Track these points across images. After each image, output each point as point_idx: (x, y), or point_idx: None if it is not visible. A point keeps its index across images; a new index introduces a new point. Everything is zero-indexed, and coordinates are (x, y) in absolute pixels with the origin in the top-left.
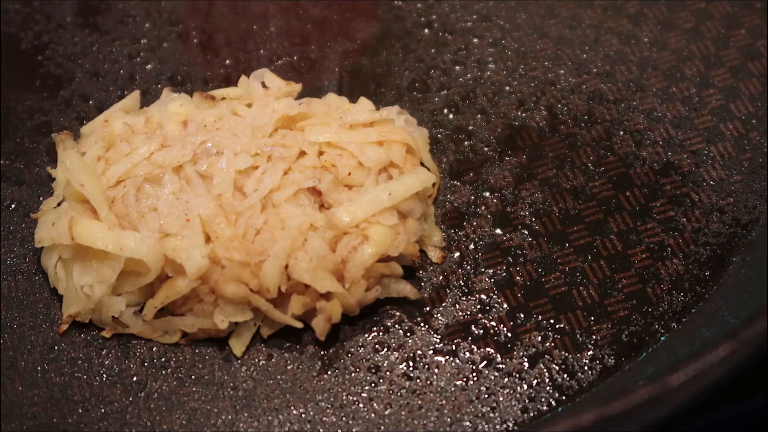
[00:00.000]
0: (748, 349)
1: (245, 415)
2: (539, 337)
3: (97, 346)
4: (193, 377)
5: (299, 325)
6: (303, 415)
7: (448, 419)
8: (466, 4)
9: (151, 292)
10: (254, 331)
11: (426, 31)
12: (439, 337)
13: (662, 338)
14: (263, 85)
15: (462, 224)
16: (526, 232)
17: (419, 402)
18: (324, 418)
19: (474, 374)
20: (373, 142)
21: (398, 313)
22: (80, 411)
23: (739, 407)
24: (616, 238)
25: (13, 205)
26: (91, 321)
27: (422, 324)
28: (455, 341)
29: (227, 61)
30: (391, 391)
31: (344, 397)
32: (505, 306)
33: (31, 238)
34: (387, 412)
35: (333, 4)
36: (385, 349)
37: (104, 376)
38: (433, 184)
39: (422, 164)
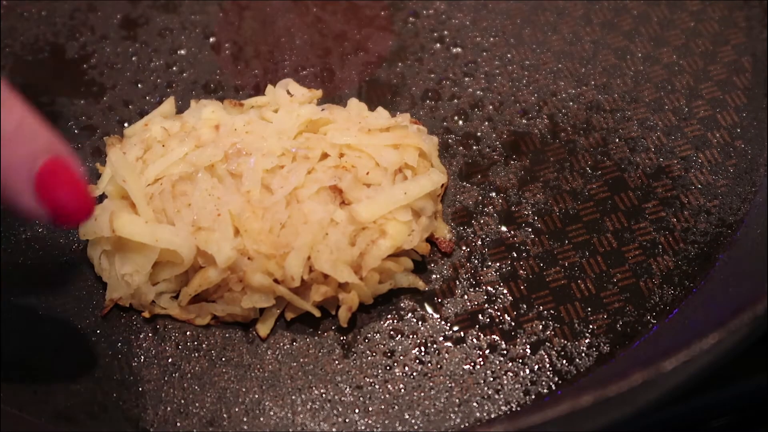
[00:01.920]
0: (735, 338)
1: (271, 394)
2: (540, 326)
3: (135, 330)
4: (223, 359)
5: (318, 313)
6: (324, 395)
7: (457, 400)
8: (475, 21)
9: (186, 280)
10: (278, 315)
11: (438, 45)
12: (448, 325)
13: (654, 328)
14: (288, 92)
15: (470, 222)
16: (529, 229)
17: (430, 384)
18: (343, 398)
19: (480, 359)
20: (389, 145)
21: (411, 303)
22: (120, 389)
23: (728, 391)
24: (611, 236)
25: None
26: (131, 305)
27: (433, 313)
28: (463, 329)
29: (256, 71)
30: (404, 374)
31: (362, 379)
32: (510, 297)
33: (77, 230)
34: (401, 393)
35: (352, 20)
36: (399, 336)
37: (142, 357)
38: (442, 185)
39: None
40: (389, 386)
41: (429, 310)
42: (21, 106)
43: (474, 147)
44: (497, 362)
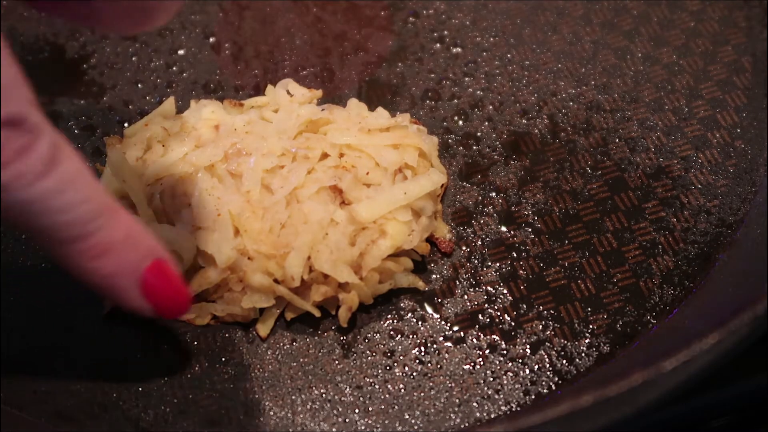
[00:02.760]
0: (735, 338)
1: (271, 394)
2: (540, 326)
3: (135, 330)
4: (222, 359)
5: (318, 313)
6: (324, 395)
7: (457, 400)
8: (475, 21)
9: (186, 280)
10: (278, 315)
11: (438, 45)
12: (448, 325)
13: (654, 328)
14: (288, 92)
15: (470, 222)
16: (529, 229)
17: (430, 384)
18: (343, 398)
19: (480, 359)
20: (389, 145)
21: (411, 303)
22: (120, 389)
23: (728, 391)
24: (611, 236)
25: None
26: None
27: (433, 313)
28: (463, 329)
29: (256, 71)
30: (404, 374)
31: (362, 379)
32: (510, 297)
33: None
34: (401, 393)
35: (352, 20)
36: (399, 336)
37: (142, 357)
38: (441, 185)
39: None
40: (389, 386)
41: (429, 310)
42: (126, 216)
43: (474, 147)
44: (497, 362)
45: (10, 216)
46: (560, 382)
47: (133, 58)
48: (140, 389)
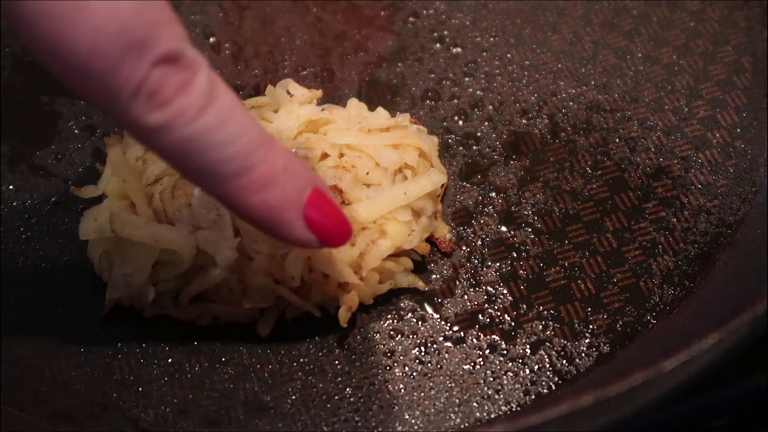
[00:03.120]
0: (735, 338)
1: (271, 394)
2: (540, 326)
3: (135, 330)
4: (223, 359)
5: (318, 313)
6: (324, 395)
7: (457, 400)
8: (475, 21)
9: (186, 280)
10: (278, 315)
11: (438, 45)
12: (448, 325)
13: (654, 328)
14: (288, 92)
15: (470, 222)
16: (528, 229)
17: (430, 384)
18: (343, 398)
19: (480, 359)
20: (389, 145)
21: (411, 303)
22: (120, 389)
23: (728, 391)
24: (611, 236)
25: (60, 201)
26: (132, 305)
27: (433, 313)
28: (463, 329)
29: (256, 71)
30: (404, 374)
31: (362, 379)
32: (510, 297)
33: (77, 230)
34: (401, 393)
35: (352, 20)
36: (399, 336)
37: (142, 357)
38: (441, 185)
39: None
40: (389, 386)
41: (429, 310)
42: (283, 149)
43: (474, 147)
44: (497, 362)
45: (172, 156)
46: (560, 382)
47: None
48: (140, 389)
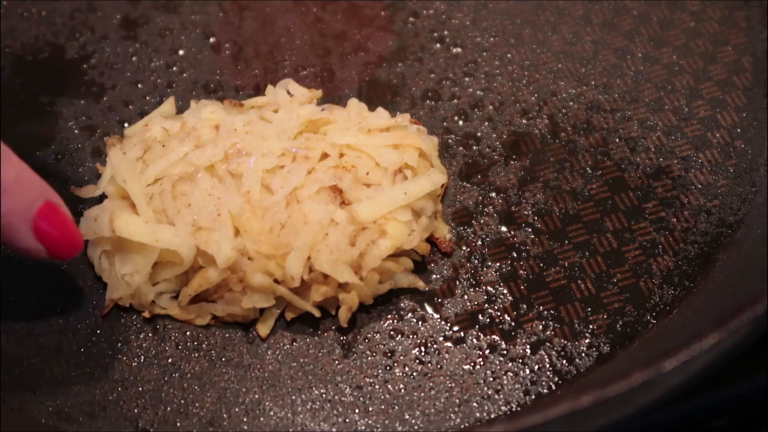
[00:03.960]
0: (735, 338)
1: (271, 394)
2: (540, 326)
3: (135, 330)
4: (223, 359)
5: (318, 313)
6: (324, 395)
7: (457, 400)
8: (475, 21)
9: (186, 280)
10: (278, 315)
11: (438, 45)
12: (448, 325)
13: (654, 328)
14: (288, 92)
15: (471, 222)
16: (529, 229)
17: (430, 384)
18: (343, 398)
19: (480, 359)
20: (389, 145)
21: (411, 303)
22: (119, 389)
23: (728, 391)
24: (611, 236)
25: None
26: (131, 305)
27: (433, 313)
28: (463, 329)
29: (256, 71)
30: (404, 374)
31: (362, 379)
32: (510, 297)
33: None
34: (401, 393)
35: (352, 20)
36: (399, 336)
37: (142, 357)
38: (442, 185)
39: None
40: (389, 386)
41: (429, 310)
42: (17, 160)
43: (474, 147)
44: (497, 362)
45: None
46: (560, 382)
47: (133, 59)
48: (140, 389)
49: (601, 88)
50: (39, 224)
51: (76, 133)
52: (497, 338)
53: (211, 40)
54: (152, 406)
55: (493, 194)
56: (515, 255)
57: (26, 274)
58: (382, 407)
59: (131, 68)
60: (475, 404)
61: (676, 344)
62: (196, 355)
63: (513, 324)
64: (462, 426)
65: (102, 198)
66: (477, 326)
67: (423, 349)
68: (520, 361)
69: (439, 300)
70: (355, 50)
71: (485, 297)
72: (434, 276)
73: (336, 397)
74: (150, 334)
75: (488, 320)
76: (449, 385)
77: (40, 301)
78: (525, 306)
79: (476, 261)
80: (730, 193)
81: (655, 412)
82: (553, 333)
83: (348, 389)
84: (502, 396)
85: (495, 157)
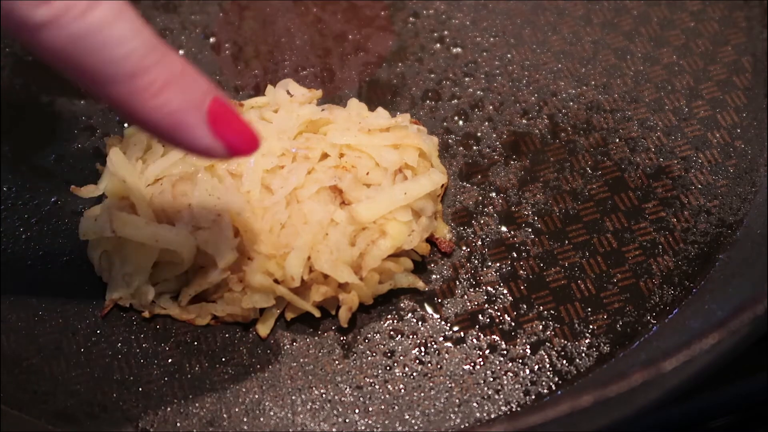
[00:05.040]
0: (735, 338)
1: (271, 394)
2: (540, 326)
3: (135, 330)
4: (223, 359)
5: (318, 313)
6: (324, 395)
7: (457, 400)
8: (476, 20)
9: (186, 280)
10: (278, 316)
11: (438, 45)
12: (448, 325)
13: (654, 328)
14: (288, 93)
15: (471, 222)
16: (529, 229)
17: (430, 384)
18: (343, 398)
19: (480, 359)
20: (389, 145)
21: (411, 303)
22: (120, 389)
23: (728, 391)
24: (611, 236)
25: (60, 201)
26: (131, 305)
27: (433, 313)
28: (463, 329)
29: (256, 71)
30: (404, 374)
31: (362, 379)
32: (510, 297)
33: (77, 230)
34: (401, 393)
35: (352, 20)
36: (399, 336)
37: (142, 357)
38: (441, 185)
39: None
40: (389, 386)
41: (429, 310)
42: (179, 56)
43: (474, 147)
44: (497, 362)
45: (63, 57)
46: (560, 382)
47: None
48: (140, 389)
49: (601, 88)
50: (214, 119)
51: (75, 133)
52: (497, 338)
53: (211, 40)
54: (152, 407)
55: (493, 194)
56: (515, 255)
57: (26, 274)
58: (382, 407)
59: None
60: (475, 404)
61: (676, 344)
62: (196, 355)
63: (513, 324)
64: (462, 426)
65: (102, 198)
66: (477, 326)
67: (423, 349)
68: (520, 361)
69: (439, 300)
70: (355, 50)
71: (485, 297)
72: (434, 276)
73: (336, 397)
74: (150, 334)
75: (488, 320)
76: (449, 385)
77: (40, 301)
78: (525, 306)
79: (476, 261)
80: (730, 193)
81: (655, 412)
82: (553, 333)
83: (348, 389)
84: (502, 396)
85: (495, 157)
